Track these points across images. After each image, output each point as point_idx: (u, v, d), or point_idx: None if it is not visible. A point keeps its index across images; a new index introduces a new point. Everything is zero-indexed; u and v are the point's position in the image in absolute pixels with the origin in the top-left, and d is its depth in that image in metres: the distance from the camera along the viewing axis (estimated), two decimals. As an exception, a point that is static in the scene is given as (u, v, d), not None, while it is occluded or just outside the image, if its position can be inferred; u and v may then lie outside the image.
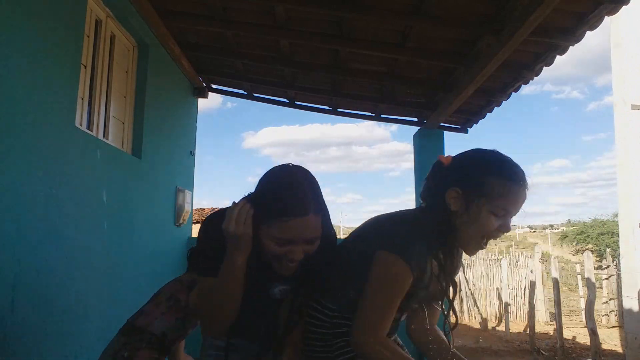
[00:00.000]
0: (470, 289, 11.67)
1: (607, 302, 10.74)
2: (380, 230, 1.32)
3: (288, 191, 1.21)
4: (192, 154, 4.77)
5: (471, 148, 1.35)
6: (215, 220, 1.30)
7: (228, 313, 1.28)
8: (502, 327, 9.65)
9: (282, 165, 1.30)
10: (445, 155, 1.36)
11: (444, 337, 1.42)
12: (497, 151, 1.30)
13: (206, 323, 1.37)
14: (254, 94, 4.98)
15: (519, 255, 12.04)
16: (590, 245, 25.20)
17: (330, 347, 1.33)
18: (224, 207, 1.34)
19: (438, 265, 1.27)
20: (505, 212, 1.22)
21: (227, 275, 1.23)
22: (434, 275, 1.29)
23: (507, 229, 1.25)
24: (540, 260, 11.06)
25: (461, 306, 11.78)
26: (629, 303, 7.11)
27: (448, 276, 1.30)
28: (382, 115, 4.64)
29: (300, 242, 1.21)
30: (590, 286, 7.60)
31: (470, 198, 1.22)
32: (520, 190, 1.23)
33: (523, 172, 1.27)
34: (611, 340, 8.66)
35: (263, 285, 1.34)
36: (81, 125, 2.77)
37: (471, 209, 1.22)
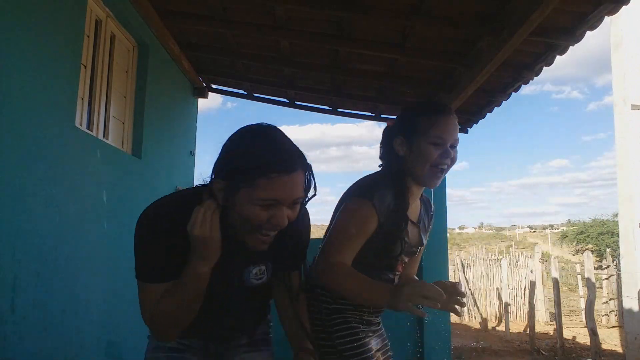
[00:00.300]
0: (470, 289, 11.68)
1: (607, 302, 10.74)
2: (348, 190, 1.47)
3: (272, 145, 1.06)
4: (192, 154, 4.78)
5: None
6: (152, 214, 1.13)
7: (183, 324, 1.16)
8: (502, 327, 9.65)
9: (253, 124, 1.12)
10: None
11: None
12: (423, 101, 1.51)
13: (155, 332, 1.23)
14: (254, 94, 4.98)
15: (519, 255, 12.04)
16: (590, 245, 25.19)
17: (328, 328, 1.43)
18: (164, 196, 1.20)
19: (393, 204, 1.40)
20: (441, 139, 1.39)
21: (189, 286, 1.09)
22: (407, 228, 1.45)
23: (447, 154, 1.40)
24: (540, 260, 11.06)
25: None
26: (629, 303, 7.11)
27: (402, 215, 1.43)
28: (382, 115, 4.64)
29: (286, 204, 1.06)
30: (590, 286, 7.60)
31: (411, 140, 1.43)
32: (446, 117, 1.42)
33: (445, 104, 1.51)
34: (611, 340, 8.66)
35: (233, 275, 1.20)
36: (81, 125, 2.77)
37: (414, 148, 1.42)
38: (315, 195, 1.13)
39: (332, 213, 1.50)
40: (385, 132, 1.53)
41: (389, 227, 1.38)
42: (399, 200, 1.41)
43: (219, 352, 1.37)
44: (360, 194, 1.40)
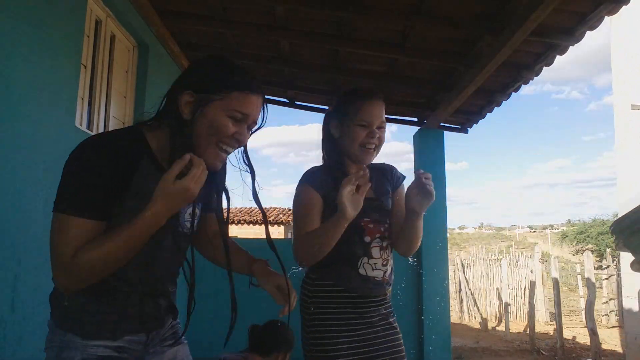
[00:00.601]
0: (470, 289, 11.67)
1: (607, 302, 10.74)
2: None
3: (242, 69, 1.15)
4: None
5: None
6: (97, 140, 1.08)
7: (106, 274, 1.09)
8: (502, 327, 9.64)
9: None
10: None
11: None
12: (354, 88, 1.65)
13: (70, 282, 1.17)
14: (254, 94, 4.98)
15: (519, 255, 12.03)
16: (590, 245, 25.19)
17: (307, 329, 1.52)
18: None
19: (331, 178, 1.54)
20: (366, 122, 1.54)
21: (138, 231, 1.02)
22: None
23: (373, 134, 1.55)
24: (540, 260, 11.05)
25: (461, 306, 11.78)
26: (629, 303, 7.11)
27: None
28: (382, 115, 4.64)
29: (249, 122, 1.14)
30: (590, 286, 7.60)
31: (343, 123, 1.58)
32: (371, 102, 1.55)
33: (373, 90, 1.60)
34: (611, 340, 8.66)
35: (172, 217, 1.08)
36: (81, 125, 2.77)
37: (345, 130, 1.58)
38: (263, 125, 1.20)
39: None
40: (324, 118, 1.68)
41: (334, 197, 1.40)
42: (337, 174, 1.52)
43: (148, 352, 1.23)
44: (298, 182, 1.58)
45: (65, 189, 1.07)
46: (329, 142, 1.63)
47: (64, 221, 1.09)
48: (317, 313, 1.49)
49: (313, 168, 1.61)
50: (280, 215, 17.52)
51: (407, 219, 1.52)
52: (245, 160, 1.23)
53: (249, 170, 1.23)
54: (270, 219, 16.67)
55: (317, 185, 1.52)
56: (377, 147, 1.56)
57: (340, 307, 1.49)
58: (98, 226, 1.06)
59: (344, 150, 1.58)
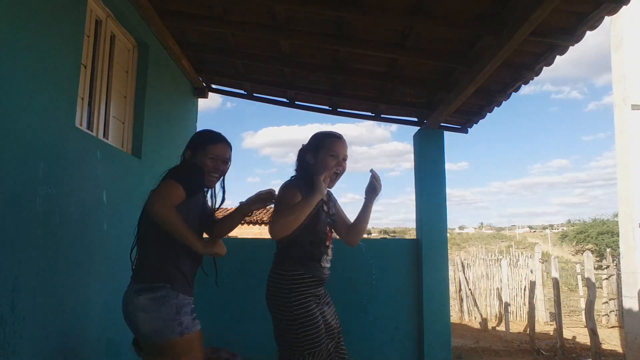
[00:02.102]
0: (470, 289, 11.67)
1: (607, 302, 10.74)
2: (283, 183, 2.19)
3: (215, 133, 2.12)
4: (192, 154, 4.78)
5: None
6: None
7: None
8: (502, 327, 9.65)
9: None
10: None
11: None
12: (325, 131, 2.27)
13: (171, 224, 1.78)
14: (254, 94, 4.98)
15: (519, 255, 12.03)
16: (590, 245, 25.20)
17: (288, 302, 2.07)
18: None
19: (305, 191, 2.07)
20: (336, 153, 2.17)
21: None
22: (326, 211, 2.24)
23: (340, 164, 2.18)
24: (540, 260, 11.05)
25: (461, 306, 11.78)
26: (629, 303, 7.11)
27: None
28: (382, 115, 4.64)
29: (221, 159, 2.06)
30: (590, 286, 7.60)
31: (317, 153, 2.18)
32: (340, 140, 2.20)
33: (338, 133, 2.24)
34: (611, 340, 8.66)
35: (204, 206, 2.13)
36: (81, 125, 2.77)
37: (319, 159, 2.17)
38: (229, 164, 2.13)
39: None
40: (300, 149, 2.26)
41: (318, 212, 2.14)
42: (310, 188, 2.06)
43: None
44: (285, 185, 2.14)
45: (186, 174, 1.95)
46: (304, 166, 2.21)
47: (175, 188, 1.88)
48: (297, 293, 2.07)
49: (294, 179, 2.19)
50: (280, 215, 17.50)
51: (361, 211, 2.30)
52: (222, 184, 2.15)
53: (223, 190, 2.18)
54: (271, 219, 16.59)
55: (301, 190, 2.08)
56: (341, 174, 2.21)
57: (310, 288, 2.12)
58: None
59: (315, 173, 2.10)
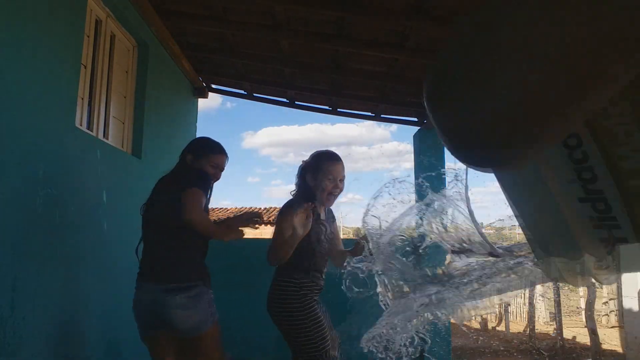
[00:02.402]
0: (470, 289, 11.66)
1: (607, 302, 10.74)
2: (280, 208, 2.30)
3: (218, 144, 2.31)
4: (192, 154, 4.78)
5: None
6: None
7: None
8: (502, 327, 9.65)
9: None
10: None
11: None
12: (324, 151, 2.38)
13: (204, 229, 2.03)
14: (254, 94, 4.98)
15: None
16: (590, 245, 25.14)
17: (298, 307, 2.18)
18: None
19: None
20: (333, 176, 2.27)
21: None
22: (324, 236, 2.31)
23: (337, 186, 2.29)
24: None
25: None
26: (629, 303, 7.11)
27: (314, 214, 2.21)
28: (382, 115, 4.64)
29: (220, 169, 2.28)
30: (590, 286, 7.59)
31: (316, 175, 2.27)
32: (338, 163, 2.31)
33: (337, 155, 2.36)
34: (611, 340, 8.66)
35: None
36: (81, 125, 2.77)
37: (318, 180, 2.27)
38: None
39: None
40: (300, 168, 2.36)
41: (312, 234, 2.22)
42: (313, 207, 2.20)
43: None
44: (282, 211, 2.24)
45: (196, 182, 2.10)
46: (305, 186, 2.32)
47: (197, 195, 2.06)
48: (307, 298, 2.20)
49: (294, 199, 2.29)
50: (280, 215, 17.48)
51: (342, 255, 2.36)
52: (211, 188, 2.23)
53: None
54: (271, 219, 16.63)
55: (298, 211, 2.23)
56: (338, 194, 2.34)
57: (314, 295, 2.26)
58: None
59: (315, 193, 2.27)
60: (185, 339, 2.05)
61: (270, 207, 18.90)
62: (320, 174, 2.27)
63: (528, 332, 8.30)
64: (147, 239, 2.13)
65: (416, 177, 4.33)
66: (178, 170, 2.21)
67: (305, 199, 2.24)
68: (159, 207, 2.10)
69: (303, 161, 2.39)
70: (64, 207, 2.37)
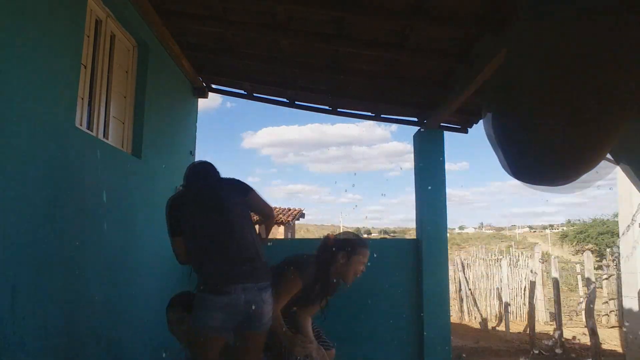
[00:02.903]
0: (470, 289, 11.67)
1: (607, 302, 10.74)
2: (294, 260, 2.47)
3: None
4: (192, 153, 4.77)
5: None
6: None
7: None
8: (502, 327, 9.64)
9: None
10: None
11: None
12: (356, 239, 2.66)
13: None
14: (254, 94, 4.98)
15: (519, 255, 12.02)
16: (590, 245, 25.19)
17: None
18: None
19: (320, 286, 2.50)
20: (364, 261, 2.54)
21: None
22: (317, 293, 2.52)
23: (363, 268, 2.55)
24: (540, 260, 11.04)
25: (461, 306, 11.78)
26: (629, 303, 7.11)
27: (325, 289, 2.53)
28: (382, 115, 4.64)
29: None
30: (590, 286, 7.60)
31: (350, 257, 2.51)
32: (367, 249, 2.55)
33: (367, 242, 2.63)
34: (611, 340, 8.65)
35: None
36: (81, 125, 2.77)
37: (350, 261, 2.51)
38: None
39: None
40: (330, 239, 2.58)
41: (310, 284, 2.46)
42: (319, 275, 2.48)
43: None
44: (292, 267, 2.40)
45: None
46: (332, 258, 2.50)
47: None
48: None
49: (306, 258, 2.49)
50: (280, 215, 17.50)
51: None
52: None
53: None
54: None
55: (303, 276, 2.40)
56: (361, 274, 2.56)
57: None
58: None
59: (339, 269, 2.51)
60: (255, 333, 2.23)
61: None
62: (354, 257, 2.51)
63: (528, 332, 8.29)
64: (239, 245, 2.27)
65: (416, 177, 4.34)
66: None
67: (323, 269, 2.47)
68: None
69: (331, 236, 2.64)
70: (64, 207, 2.37)
